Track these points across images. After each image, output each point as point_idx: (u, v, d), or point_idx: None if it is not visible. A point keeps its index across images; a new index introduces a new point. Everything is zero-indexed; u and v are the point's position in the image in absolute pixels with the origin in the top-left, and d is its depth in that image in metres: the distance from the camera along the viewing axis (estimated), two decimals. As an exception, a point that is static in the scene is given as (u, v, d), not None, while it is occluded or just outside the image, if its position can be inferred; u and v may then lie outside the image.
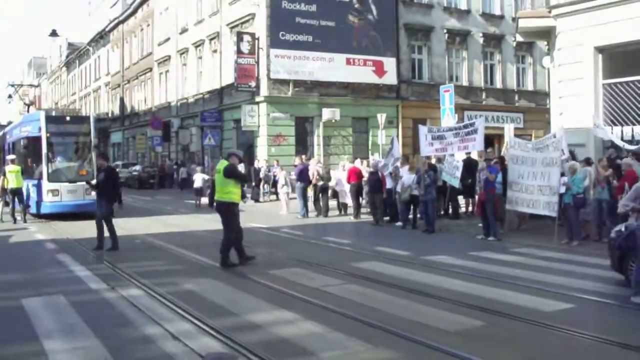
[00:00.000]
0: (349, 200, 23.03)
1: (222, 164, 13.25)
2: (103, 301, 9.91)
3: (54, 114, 25.38)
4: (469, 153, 21.44)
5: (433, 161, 20.96)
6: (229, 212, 13.15)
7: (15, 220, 22.30)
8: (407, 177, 19.70)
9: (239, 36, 35.02)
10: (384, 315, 8.68)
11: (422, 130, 20.66)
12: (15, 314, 9.08)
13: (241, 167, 28.43)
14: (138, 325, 8.36)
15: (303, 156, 27.25)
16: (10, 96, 62.74)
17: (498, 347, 7.36)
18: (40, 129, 22.96)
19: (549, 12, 21.44)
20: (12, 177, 22.48)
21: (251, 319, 8.59)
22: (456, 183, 19.82)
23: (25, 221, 22.35)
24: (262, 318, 8.64)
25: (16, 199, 22.70)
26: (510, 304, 9.34)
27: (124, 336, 7.90)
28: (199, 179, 29.20)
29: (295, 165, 24.98)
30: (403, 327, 8.01)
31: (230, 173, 12.93)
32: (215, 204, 13.79)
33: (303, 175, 23.52)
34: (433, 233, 18.47)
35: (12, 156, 23.65)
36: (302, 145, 35.42)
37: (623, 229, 10.29)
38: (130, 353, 7.21)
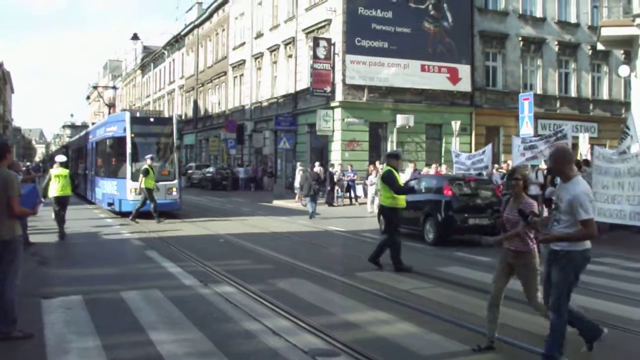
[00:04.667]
0: None
1: (384, 169, 13.53)
2: (199, 296, 10.26)
3: (138, 114, 25.98)
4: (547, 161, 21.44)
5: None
6: (389, 216, 13.39)
7: (157, 219, 22.25)
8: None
9: (315, 41, 35.36)
10: (475, 318, 8.77)
11: (516, 141, 20.68)
12: (118, 306, 9.52)
13: (318, 169, 29.13)
14: (237, 320, 8.68)
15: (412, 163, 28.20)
16: (88, 97, 64.45)
17: (597, 353, 7.38)
18: (125, 129, 23.65)
19: (633, 20, 21.21)
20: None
21: (347, 318, 8.83)
22: None
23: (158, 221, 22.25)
24: (358, 317, 8.87)
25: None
26: (599, 311, 9.33)
27: (225, 330, 8.20)
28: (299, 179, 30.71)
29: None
30: (497, 330, 8.12)
31: (385, 179, 13.14)
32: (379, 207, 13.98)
33: None
34: None
35: (148, 156, 23.01)
36: (376, 150, 35.57)
37: None
38: (235, 346, 7.48)
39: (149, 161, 22.60)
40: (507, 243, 7.63)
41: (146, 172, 22.26)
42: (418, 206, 17.61)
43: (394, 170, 13.15)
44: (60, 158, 19.44)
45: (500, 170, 24.58)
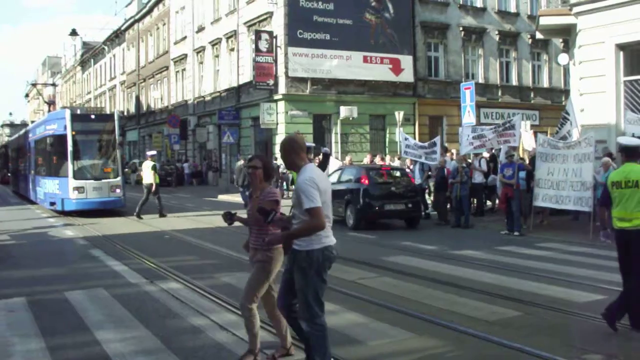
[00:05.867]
0: None
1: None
2: (145, 294, 10.18)
3: (79, 112, 25.62)
4: (494, 150, 21.76)
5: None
6: None
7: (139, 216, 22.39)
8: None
9: (257, 34, 35.22)
10: (421, 306, 8.94)
11: (465, 130, 20.91)
12: (63, 307, 9.37)
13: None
14: (184, 317, 8.64)
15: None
16: (27, 95, 63.17)
17: (538, 335, 7.59)
18: (65, 127, 23.26)
19: (570, 9, 21.54)
20: (147, 172, 22.96)
21: (294, 310, 8.84)
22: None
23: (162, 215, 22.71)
24: (304, 309, 8.88)
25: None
26: (542, 295, 9.59)
27: (172, 327, 8.16)
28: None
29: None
30: (443, 317, 8.26)
31: None
32: None
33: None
34: (469, 228, 18.71)
35: (152, 152, 23.89)
36: (320, 142, 35.50)
37: None
38: (182, 342, 7.44)
39: (151, 158, 23.25)
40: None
41: (155, 168, 22.85)
42: (340, 194, 18.91)
43: None
44: None
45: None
